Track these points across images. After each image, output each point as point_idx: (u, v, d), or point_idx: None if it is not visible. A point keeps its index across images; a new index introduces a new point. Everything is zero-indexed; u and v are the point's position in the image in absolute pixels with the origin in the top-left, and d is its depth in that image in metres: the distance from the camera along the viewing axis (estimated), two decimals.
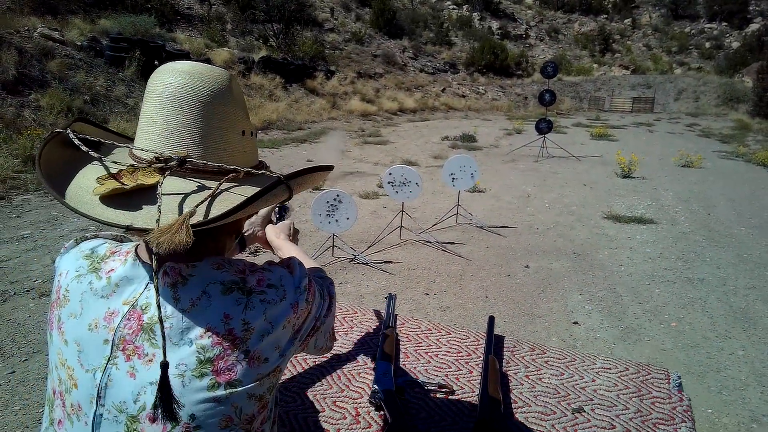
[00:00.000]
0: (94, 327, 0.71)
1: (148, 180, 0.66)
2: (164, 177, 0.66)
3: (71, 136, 0.71)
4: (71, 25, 13.14)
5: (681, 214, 6.83)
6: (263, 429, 0.76)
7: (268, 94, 15.96)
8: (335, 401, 1.31)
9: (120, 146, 0.79)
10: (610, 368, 1.54)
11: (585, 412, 1.33)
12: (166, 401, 0.64)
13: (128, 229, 0.65)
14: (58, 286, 0.78)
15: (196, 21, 19.55)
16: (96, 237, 0.85)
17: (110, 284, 0.73)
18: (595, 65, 35.66)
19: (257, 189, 0.69)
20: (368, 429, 1.21)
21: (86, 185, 0.68)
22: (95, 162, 0.73)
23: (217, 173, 0.70)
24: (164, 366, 0.64)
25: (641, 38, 41.65)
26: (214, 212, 0.65)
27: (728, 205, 7.35)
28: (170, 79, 0.72)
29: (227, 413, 0.69)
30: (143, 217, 0.64)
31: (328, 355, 1.52)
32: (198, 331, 0.68)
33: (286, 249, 1.22)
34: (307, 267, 1.09)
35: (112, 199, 0.66)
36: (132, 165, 0.69)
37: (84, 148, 0.70)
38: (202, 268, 0.72)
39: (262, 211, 1.32)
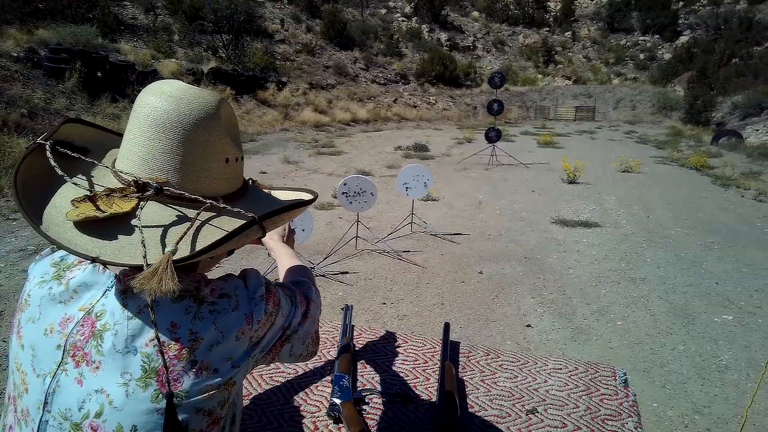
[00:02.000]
0: (49, 332, 0.71)
1: (125, 206, 0.66)
2: (143, 204, 0.67)
3: (48, 154, 0.69)
4: (6, 35, 12.47)
5: (623, 217, 7.18)
6: None
7: None
8: (293, 416, 1.29)
9: (106, 155, 0.78)
10: (561, 369, 1.59)
11: (538, 412, 1.37)
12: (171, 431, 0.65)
13: (94, 261, 0.63)
14: (24, 291, 0.78)
15: (141, 31, 18.98)
16: None
17: (68, 290, 0.73)
18: (540, 76, 37.05)
19: (235, 221, 0.70)
20: None
21: (61, 205, 0.67)
22: (78, 175, 0.72)
23: (195, 202, 0.70)
24: (168, 397, 0.64)
25: (581, 50, 43.66)
26: (191, 247, 0.66)
27: (666, 208, 7.78)
28: (157, 103, 0.70)
29: None
30: (113, 249, 0.64)
31: (290, 369, 1.50)
32: (144, 339, 0.67)
33: (278, 250, 1.19)
34: (294, 270, 1.08)
35: (85, 225, 0.65)
36: (109, 188, 0.68)
37: (59, 172, 0.68)
38: None
39: None
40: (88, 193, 0.67)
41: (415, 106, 25.88)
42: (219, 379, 0.70)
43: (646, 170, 11.41)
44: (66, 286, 0.73)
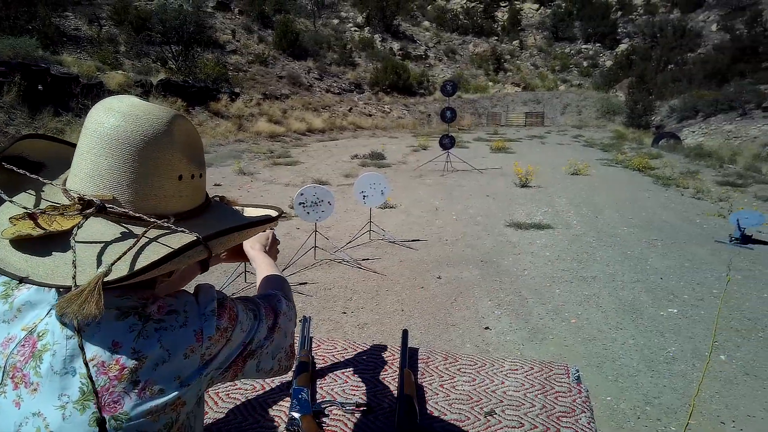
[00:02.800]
0: None
1: (66, 224, 0.63)
2: (84, 220, 0.65)
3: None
4: None
5: (573, 218, 7.44)
6: None
7: None
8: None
9: (63, 172, 0.76)
10: (517, 369, 1.63)
11: (496, 414, 1.40)
12: None
13: (23, 281, 0.61)
14: None
15: (85, 43, 18.29)
16: None
17: (12, 309, 0.71)
18: (491, 83, 38.04)
19: (184, 239, 0.68)
20: None
21: (0, 222, 0.66)
22: (28, 190, 0.71)
23: (143, 221, 0.68)
24: (100, 423, 0.62)
25: (529, 58, 45.17)
26: (126, 268, 0.63)
27: (612, 208, 8.12)
28: (105, 119, 0.68)
29: None
30: (47, 268, 0.61)
31: (247, 385, 1.47)
32: (81, 360, 0.64)
33: (259, 260, 1.14)
34: (269, 280, 1.06)
35: (21, 243, 0.63)
36: (53, 205, 0.67)
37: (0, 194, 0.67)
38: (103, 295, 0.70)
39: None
40: (27, 211, 0.65)
41: (370, 115, 26.01)
42: (164, 399, 0.67)
43: (594, 172, 11.88)
44: (10, 305, 0.71)
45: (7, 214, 0.66)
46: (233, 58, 24.29)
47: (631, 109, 26.26)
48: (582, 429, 1.34)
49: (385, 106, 28.16)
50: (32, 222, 0.63)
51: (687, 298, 4.48)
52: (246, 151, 14.23)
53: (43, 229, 0.63)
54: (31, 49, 13.73)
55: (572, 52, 45.74)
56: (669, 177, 11.12)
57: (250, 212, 0.90)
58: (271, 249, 1.24)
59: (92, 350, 0.65)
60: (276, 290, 0.98)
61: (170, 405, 0.68)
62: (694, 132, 21.81)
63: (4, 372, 0.67)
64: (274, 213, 0.89)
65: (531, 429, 1.33)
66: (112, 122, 0.68)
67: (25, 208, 0.66)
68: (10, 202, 0.67)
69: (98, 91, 13.95)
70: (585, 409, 1.44)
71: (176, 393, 0.68)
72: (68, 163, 0.74)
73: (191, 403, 0.72)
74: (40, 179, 0.71)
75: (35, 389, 0.65)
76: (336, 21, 38.65)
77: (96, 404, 0.63)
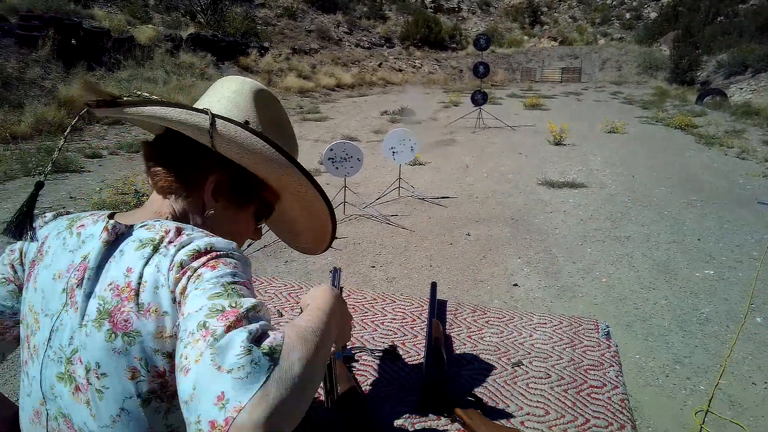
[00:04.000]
0: (57, 277, 0.77)
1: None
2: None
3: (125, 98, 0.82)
4: None
5: (608, 177, 7.23)
6: None
7: (199, 73, 15.26)
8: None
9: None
10: (545, 323, 1.62)
11: (523, 365, 1.40)
12: (20, 216, 0.82)
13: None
14: (41, 245, 0.83)
15: None
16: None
17: (79, 239, 0.78)
18: (526, 37, 36.56)
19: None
20: (317, 399, 1.22)
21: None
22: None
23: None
24: (38, 185, 0.83)
25: (567, 10, 43.02)
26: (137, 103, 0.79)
27: (650, 168, 7.85)
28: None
29: (131, 364, 0.68)
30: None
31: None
32: (104, 284, 0.71)
33: (303, 316, 0.77)
34: (306, 336, 0.67)
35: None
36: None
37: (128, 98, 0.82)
38: (134, 228, 0.75)
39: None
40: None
41: (400, 70, 25.48)
42: (171, 322, 0.67)
43: (632, 131, 11.44)
44: (78, 236, 0.79)
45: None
46: (262, 11, 23.94)
47: (675, 64, 24.93)
48: (610, 381, 1.34)
49: (416, 61, 27.48)
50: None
51: (725, 260, 4.35)
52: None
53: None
54: (63, 4, 13.81)
55: (614, 3, 43.28)
56: (712, 136, 10.62)
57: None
58: (335, 308, 0.83)
59: (112, 275, 0.71)
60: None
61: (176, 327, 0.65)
62: (742, 89, 20.63)
63: (66, 294, 0.75)
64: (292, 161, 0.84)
65: (558, 380, 1.34)
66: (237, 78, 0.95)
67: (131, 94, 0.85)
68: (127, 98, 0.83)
69: (129, 46, 14.01)
70: (614, 363, 1.43)
71: (179, 319, 0.64)
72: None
73: None
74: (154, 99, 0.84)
75: (76, 308, 0.72)
76: None
77: (110, 322, 0.68)
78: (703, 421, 2.43)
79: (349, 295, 1.76)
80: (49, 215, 0.88)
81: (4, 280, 0.85)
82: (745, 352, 3.02)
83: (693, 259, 4.38)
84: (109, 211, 0.85)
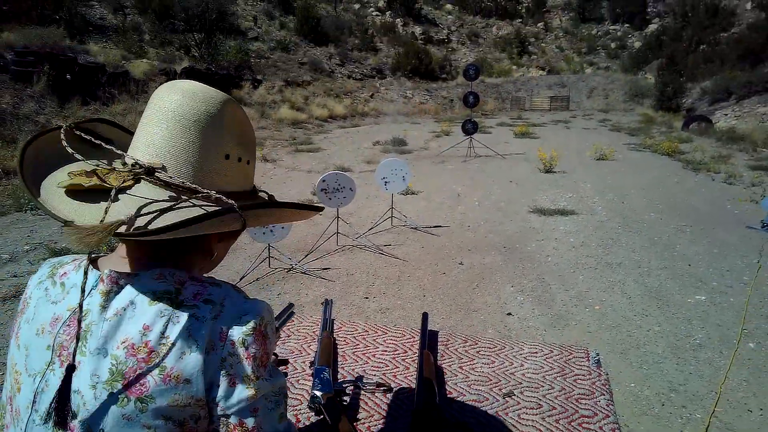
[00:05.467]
0: (40, 332, 0.72)
1: (114, 182, 0.68)
2: (132, 180, 0.69)
3: (62, 135, 0.73)
4: None
5: (598, 204, 7.31)
6: None
7: None
8: None
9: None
10: (536, 352, 1.63)
11: (515, 395, 1.41)
12: (59, 406, 0.65)
13: (66, 224, 0.64)
14: (25, 296, 0.78)
15: (110, 32, 18.61)
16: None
17: (64, 290, 0.73)
18: (514, 67, 37.38)
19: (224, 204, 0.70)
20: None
21: (59, 177, 0.70)
22: (100, 159, 0.75)
23: (186, 190, 0.71)
24: (70, 369, 0.65)
25: (554, 40, 44.17)
26: (159, 223, 0.64)
27: (639, 193, 7.95)
28: (167, 95, 0.75)
29: None
30: (92, 214, 0.65)
31: None
32: (116, 341, 0.66)
33: None
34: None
35: (76, 195, 0.67)
36: (109, 167, 0.71)
37: (69, 150, 0.72)
38: (141, 278, 0.70)
39: None
40: (89, 167, 0.70)
41: (392, 101, 25.88)
42: (192, 392, 0.66)
43: (620, 157, 11.62)
44: (61, 286, 0.74)
45: (65, 171, 0.71)
46: (255, 44, 24.40)
47: (660, 91, 25.47)
48: (601, 410, 1.34)
49: (407, 92, 27.96)
50: (85, 178, 0.68)
51: (716, 285, 4.38)
52: (268, 138, 14.35)
53: (93, 180, 0.68)
54: (59, 39, 14.05)
55: (599, 33, 44.55)
56: (699, 161, 10.81)
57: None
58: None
59: (125, 332, 0.66)
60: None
61: (197, 400, 0.66)
62: (726, 115, 21.10)
63: (52, 351, 0.70)
64: (314, 211, 0.89)
65: (549, 410, 1.34)
66: (173, 98, 0.74)
67: (90, 164, 0.72)
68: (83, 161, 0.72)
69: (124, 80, 14.20)
70: (604, 392, 1.43)
71: (202, 393, 0.67)
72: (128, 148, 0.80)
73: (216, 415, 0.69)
74: (113, 150, 0.76)
75: (77, 369, 0.67)
76: (357, 6, 38.38)
77: (123, 384, 0.64)
78: None
79: (340, 327, 1.76)
80: (47, 261, 0.83)
81: None
82: (740, 379, 3.02)
83: (684, 284, 4.40)
84: (88, 254, 0.77)
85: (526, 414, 1.33)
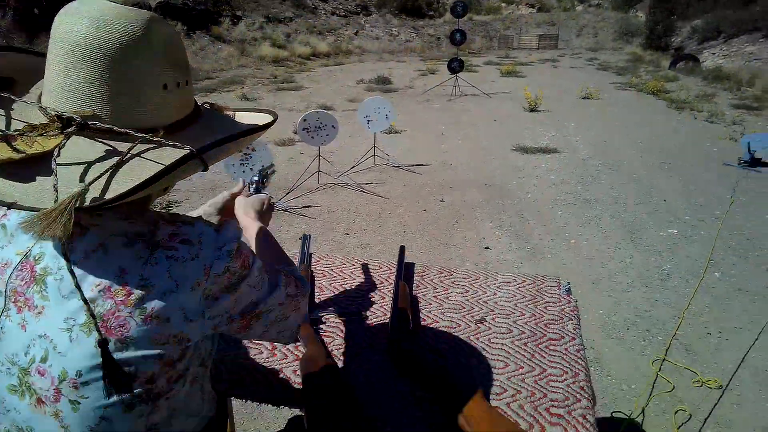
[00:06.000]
0: None
1: (47, 144, 0.60)
2: (65, 140, 0.61)
3: None
4: None
5: (580, 142, 7.33)
6: (172, 387, 0.71)
7: None
8: (250, 339, 1.34)
9: (33, 87, 0.72)
10: (509, 282, 1.68)
11: (486, 321, 1.46)
12: (112, 377, 0.64)
13: (11, 207, 0.59)
14: None
15: None
16: None
17: (6, 233, 0.70)
18: (504, 4, 36.13)
19: (175, 153, 0.64)
20: (284, 360, 1.26)
21: None
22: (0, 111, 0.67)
23: (126, 135, 0.63)
24: (103, 343, 0.63)
25: None
26: (116, 187, 0.59)
27: (622, 132, 7.96)
28: (73, 26, 0.62)
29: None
30: (35, 192, 0.59)
31: None
32: (89, 284, 0.64)
33: (251, 229, 1.05)
34: (275, 255, 0.98)
35: (2, 168, 0.60)
36: (30, 125, 0.62)
37: None
38: (105, 218, 0.67)
39: (237, 187, 1.20)
40: (3, 132, 0.61)
41: (377, 38, 25.03)
42: (170, 330, 0.67)
43: (606, 96, 11.53)
44: (2, 228, 0.70)
45: None
46: None
47: (650, 29, 24.96)
48: (567, 334, 1.41)
49: (393, 29, 27.01)
50: (8, 145, 0.60)
51: (688, 219, 4.50)
52: (249, 77, 13.90)
53: (22, 152, 0.60)
54: None
55: None
56: (683, 100, 10.78)
57: (242, 117, 0.85)
58: (265, 215, 1.15)
59: (99, 275, 0.64)
60: (291, 266, 0.95)
61: (174, 336, 0.67)
62: (714, 54, 20.85)
63: (5, 297, 0.68)
64: (269, 118, 0.84)
65: (519, 335, 1.40)
66: (81, 30, 0.62)
67: (1, 131, 0.63)
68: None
69: None
70: (572, 317, 1.50)
71: (181, 327, 0.68)
72: (40, 76, 0.69)
73: (194, 342, 0.71)
74: (11, 97, 0.68)
75: (40, 312, 0.65)
76: None
77: (102, 326, 0.63)
78: (660, 369, 2.57)
79: (318, 261, 1.78)
80: None
81: None
82: (703, 305, 3.17)
83: (658, 219, 4.51)
84: None
85: (496, 338, 1.38)
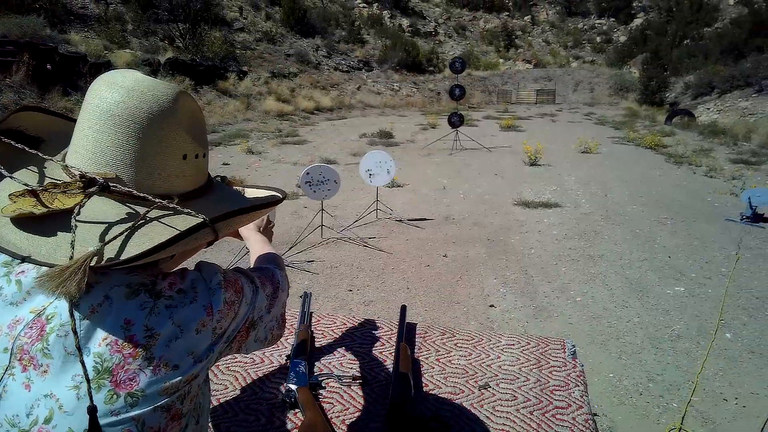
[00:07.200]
0: None
1: (68, 202, 0.62)
2: (86, 199, 0.63)
3: None
4: None
5: (582, 196, 7.37)
6: None
7: None
8: (248, 404, 1.29)
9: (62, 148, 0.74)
10: (513, 344, 1.64)
11: (490, 387, 1.41)
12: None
13: (24, 260, 0.60)
14: None
15: (93, 21, 18.23)
16: None
17: (21, 290, 0.69)
18: (501, 60, 37.47)
19: (189, 221, 0.66)
20: (282, 428, 1.21)
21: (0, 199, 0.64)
22: (29, 167, 0.69)
23: (149, 202, 0.66)
24: (91, 411, 0.61)
25: (540, 34, 44.32)
26: (130, 249, 0.61)
27: (622, 186, 8.03)
28: (108, 94, 0.67)
29: (126, 427, 0.64)
30: (49, 248, 0.60)
31: (246, 358, 1.50)
32: (96, 339, 0.64)
33: (252, 240, 1.16)
34: (263, 257, 1.06)
35: (22, 222, 0.61)
36: (53, 182, 0.65)
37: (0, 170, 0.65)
38: (111, 274, 0.68)
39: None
40: (28, 187, 0.63)
41: (379, 93, 25.80)
42: (180, 376, 0.67)
43: (604, 150, 11.72)
44: (18, 285, 0.69)
45: (6, 190, 0.64)
46: (240, 35, 24.13)
47: (644, 85, 25.77)
48: (575, 402, 1.35)
49: (394, 84, 27.89)
50: (34, 199, 0.62)
51: (695, 277, 4.45)
52: (254, 131, 14.22)
53: (45, 207, 0.61)
54: (39, 28, 13.74)
55: (585, 27, 44.79)
56: (681, 155, 10.94)
57: (250, 193, 0.89)
58: (266, 230, 1.26)
59: (105, 329, 0.64)
60: (271, 264, 0.99)
61: (184, 381, 0.68)
62: (708, 109, 21.38)
63: (11, 354, 0.66)
64: (278, 195, 0.88)
65: (524, 402, 1.35)
66: (115, 98, 0.67)
67: (26, 184, 0.65)
68: (11, 178, 0.66)
69: (106, 71, 13.88)
70: (579, 383, 1.45)
71: (191, 370, 0.68)
72: (68, 138, 0.72)
73: (202, 377, 0.73)
74: (40, 154, 0.70)
75: (45, 371, 0.64)
76: None
77: (112, 382, 0.63)
78: None
79: (318, 321, 1.75)
80: None
81: None
82: (716, 368, 3.07)
83: (664, 276, 4.46)
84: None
85: (501, 406, 1.33)
